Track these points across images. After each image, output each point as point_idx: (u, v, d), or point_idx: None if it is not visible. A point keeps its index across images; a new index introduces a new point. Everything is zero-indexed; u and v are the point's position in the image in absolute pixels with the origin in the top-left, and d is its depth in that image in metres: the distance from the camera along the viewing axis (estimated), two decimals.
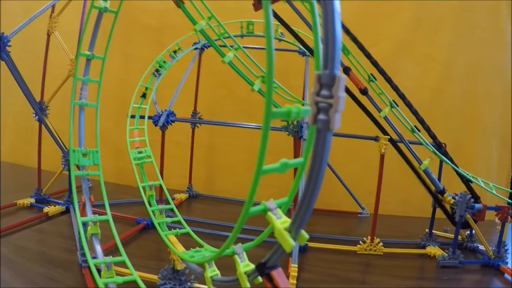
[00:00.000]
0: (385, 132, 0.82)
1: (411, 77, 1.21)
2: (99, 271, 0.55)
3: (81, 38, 0.65)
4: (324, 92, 0.23)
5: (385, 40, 1.22)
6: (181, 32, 1.05)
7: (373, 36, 1.20)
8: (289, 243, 0.28)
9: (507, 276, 0.76)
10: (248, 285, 0.37)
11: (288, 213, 0.31)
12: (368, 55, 0.80)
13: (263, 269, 0.34)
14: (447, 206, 0.83)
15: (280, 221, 0.30)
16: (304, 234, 0.29)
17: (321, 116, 0.24)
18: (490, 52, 1.21)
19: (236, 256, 0.41)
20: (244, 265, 0.39)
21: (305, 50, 1.00)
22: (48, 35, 1.02)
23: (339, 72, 0.23)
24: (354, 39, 0.79)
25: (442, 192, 0.83)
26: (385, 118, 0.82)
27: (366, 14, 1.20)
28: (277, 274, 0.34)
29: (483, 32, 1.20)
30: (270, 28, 0.23)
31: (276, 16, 0.79)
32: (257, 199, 0.30)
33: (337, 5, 0.24)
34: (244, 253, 0.42)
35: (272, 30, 0.23)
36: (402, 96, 0.82)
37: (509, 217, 0.79)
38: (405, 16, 1.21)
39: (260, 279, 0.36)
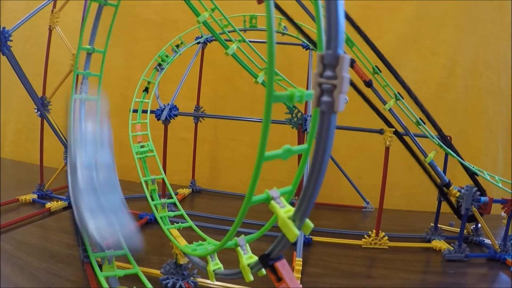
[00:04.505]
0: (390, 125, 0.81)
1: (415, 71, 1.21)
2: (101, 266, 0.55)
3: (81, 32, 0.64)
4: (328, 73, 0.23)
5: (388, 33, 1.21)
6: (183, 26, 1.05)
7: (376, 30, 1.19)
8: (293, 232, 0.28)
9: None
10: (251, 277, 0.36)
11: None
12: (373, 47, 0.79)
13: (266, 260, 0.33)
14: (453, 200, 0.82)
15: (284, 210, 0.29)
16: (309, 223, 0.28)
17: (325, 98, 0.23)
18: (494, 46, 1.20)
19: (239, 248, 0.40)
20: (247, 257, 0.38)
21: (309, 44, 0.99)
22: (50, 30, 1.01)
23: (342, 51, 0.22)
24: (359, 30, 0.77)
25: (448, 185, 0.83)
26: (390, 110, 0.81)
27: (369, 7, 1.19)
28: (281, 265, 0.33)
29: (487, 26, 1.19)
30: (271, 13, 0.22)
31: (279, 9, 0.78)
32: (257, 192, 0.29)
33: None
34: (247, 245, 0.41)
35: (273, 15, 0.22)
36: (408, 89, 0.80)
37: None
38: (409, 10, 1.20)
39: (263, 271, 0.35)
